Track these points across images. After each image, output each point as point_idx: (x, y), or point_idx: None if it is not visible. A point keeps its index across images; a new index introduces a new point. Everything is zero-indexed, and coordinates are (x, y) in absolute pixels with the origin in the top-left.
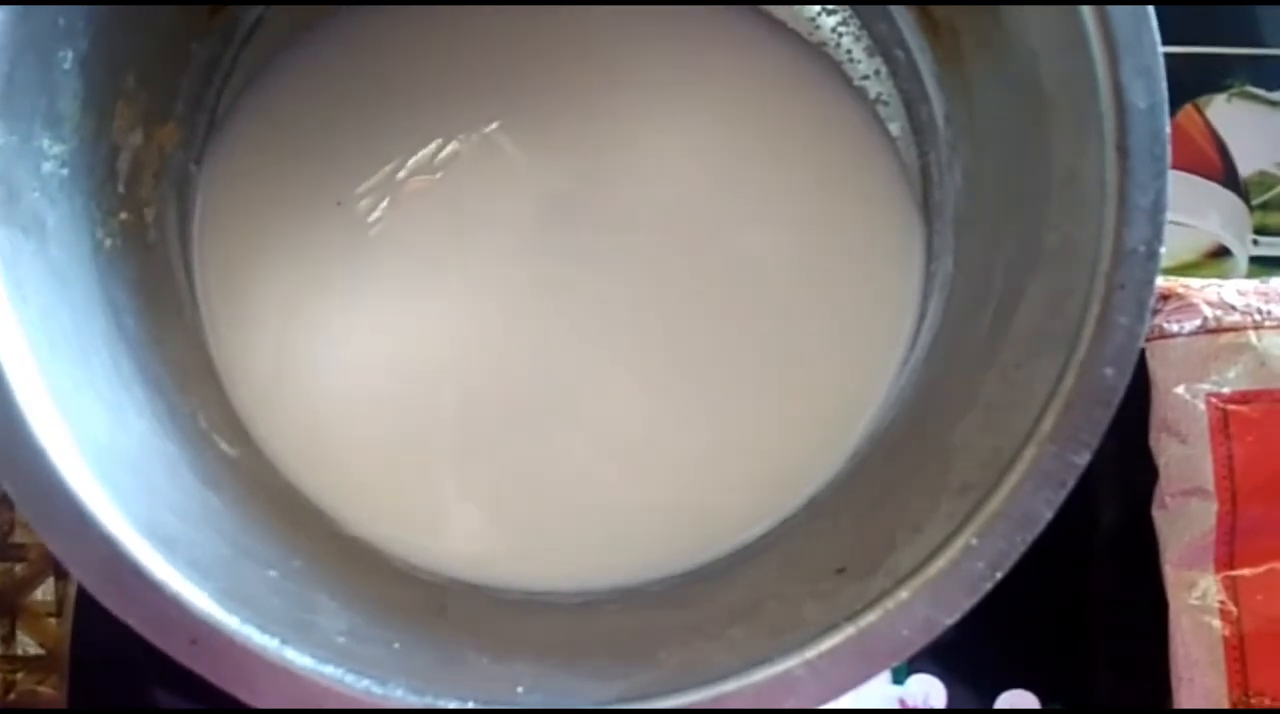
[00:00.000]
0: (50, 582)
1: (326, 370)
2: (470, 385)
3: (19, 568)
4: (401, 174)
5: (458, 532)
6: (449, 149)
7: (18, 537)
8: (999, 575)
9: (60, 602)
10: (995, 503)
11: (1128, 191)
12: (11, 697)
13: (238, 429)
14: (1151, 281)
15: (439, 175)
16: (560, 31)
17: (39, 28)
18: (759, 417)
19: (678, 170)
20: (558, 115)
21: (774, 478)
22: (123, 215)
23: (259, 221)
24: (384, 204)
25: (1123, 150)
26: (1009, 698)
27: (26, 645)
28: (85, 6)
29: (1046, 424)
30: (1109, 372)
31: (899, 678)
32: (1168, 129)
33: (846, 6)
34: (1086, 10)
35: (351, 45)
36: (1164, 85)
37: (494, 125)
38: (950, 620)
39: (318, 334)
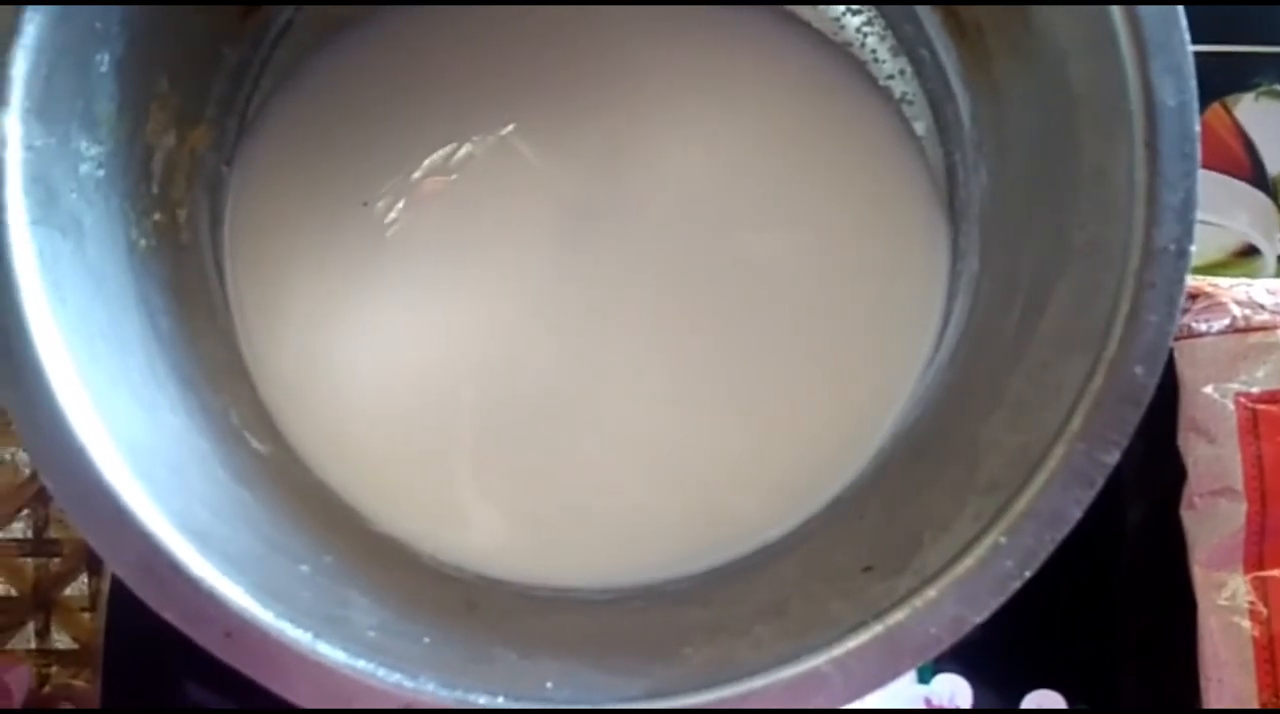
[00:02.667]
0: (84, 577)
1: (353, 368)
2: (493, 384)
3: (54, 563)
4: (416, 175)
5: (481, 528)
6: (464, 151)
7: (52, 532)
8: (1027, 574)
9: (94, 596)
10: (1024, 502)
11: (1157, 190)
12: (46, 690)
13: (268, 426)
14: (1182, 280)
15: (454, 177)
16: (579, 33)
17: (76, 31)
18: (782, 415)
19: (698, 171)
20: (576, 117)
21: (798, 477)
22: (156, 216)
23: (289, 222)
24: (400, 205)
25: (1152, 148)
26: (1035, 698)
27: (60, 640)
28: (120, 10)
29: (1075, 423)
30: (1139, 370)
31: (924, 677)
32: (1197, 127)
33: (871, 7)
34: (1116, 10)
35: (376, 48)
36: (1194, 84)
37: (510, 127)
38: (979, 619)
39: (345, 333)
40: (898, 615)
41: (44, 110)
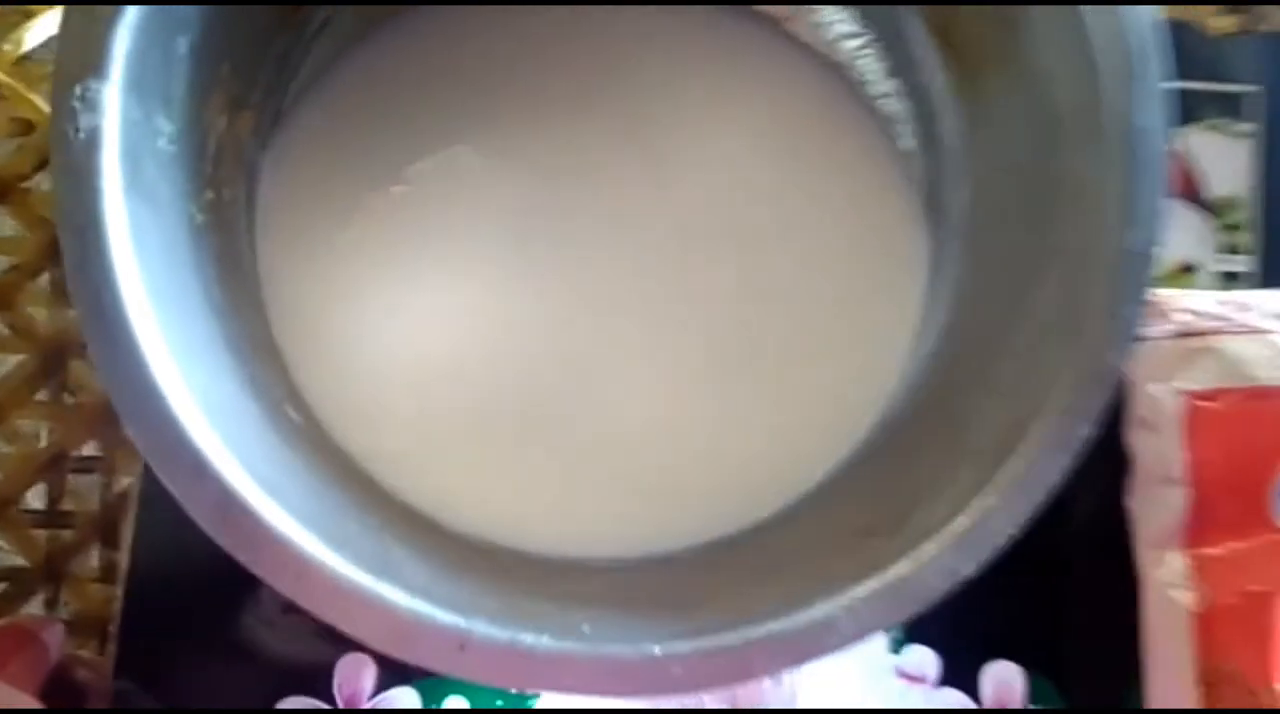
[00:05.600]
0: (95, 549)
1: (374, 348)
2: (510, 367)
3: (66, 535)
4: (439, 163)
5: (494, 501)
6: (490, 139)
7: (66, 504)
8: (1013, 533)
9: (105, 569)
10: (1011, 469)
11: (1131, 201)
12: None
13: (301, 403)
14: (1148, 278)
15: (478, 163)
16: (592, 36)
17: (165, 15)
18: (775, 399)
19: (698, 173)
20: (581, 116)
21: (790, 456)
22: (209, 194)
23: (316, 207)
24: (420, 194)
25: (1128, 166)
26: (995, 667)
27: (66, 611)
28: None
29: (1057, 401)
30: (1111, 356)
31: (896, 648)
32: (1165, 148)
33: (867, 32)
34: (1097, 38)
35: (412, 44)
36: (1167, 108)
37: (524, 127)
38: (970, 571)
39: (367, 316)
40: (900, 567)
41: (137, 86)
